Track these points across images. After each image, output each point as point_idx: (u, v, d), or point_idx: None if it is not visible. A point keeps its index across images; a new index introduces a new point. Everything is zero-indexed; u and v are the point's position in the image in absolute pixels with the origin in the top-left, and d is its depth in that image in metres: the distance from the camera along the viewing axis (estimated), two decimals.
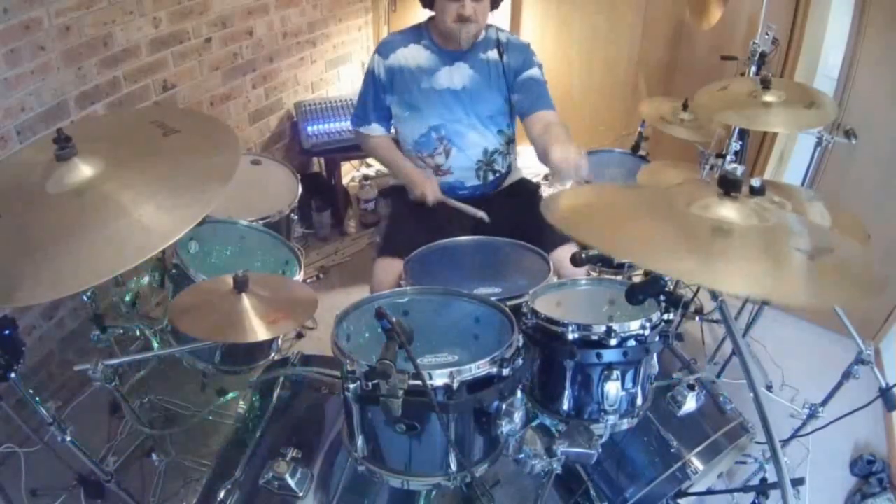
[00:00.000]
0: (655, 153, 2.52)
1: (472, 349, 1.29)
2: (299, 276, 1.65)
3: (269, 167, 2.11)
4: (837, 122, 2.11)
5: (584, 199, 1.27)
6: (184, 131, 1.23)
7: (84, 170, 1.10)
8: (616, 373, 1.19)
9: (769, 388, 2.22)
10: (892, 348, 2.29)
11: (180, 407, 1.82)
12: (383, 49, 1.92)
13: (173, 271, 1.56)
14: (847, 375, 1.62)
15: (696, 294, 2.02)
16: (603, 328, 1.18)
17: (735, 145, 2.02)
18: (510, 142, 2.02)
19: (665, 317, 1.23)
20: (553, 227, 1.05)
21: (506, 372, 1.09)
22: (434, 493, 1.33)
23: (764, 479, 1.62)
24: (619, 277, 2.10)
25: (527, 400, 1.21)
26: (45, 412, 1.25)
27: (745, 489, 1.64)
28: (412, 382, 0.98)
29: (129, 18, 2.13)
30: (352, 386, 1.05)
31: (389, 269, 1.77)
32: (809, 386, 2.14)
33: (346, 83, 3.48)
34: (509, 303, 1.33)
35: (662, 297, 1.19)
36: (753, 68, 2.03)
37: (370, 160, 3.57)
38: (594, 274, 1.96)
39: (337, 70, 3.42)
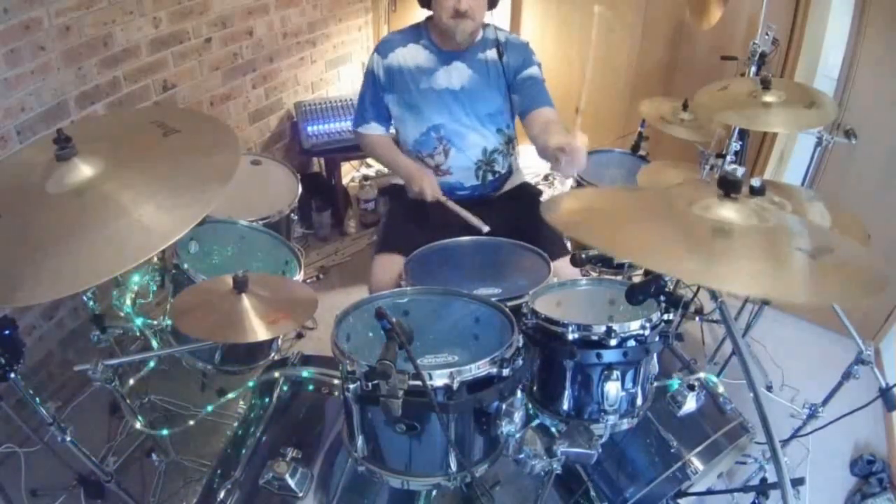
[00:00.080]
0: (655, 153, 2.52)
1: (472, 349, 1.29)
2: (299, 276, 1.65)
3: (269, 167, 2.11)
4: (837, 122, 2.12)
5: (584, 201, 1.27)
6: (184, 131, 1.23)
7: (84, 170, 1.10)
8: (616, 373, 1.19)
9: (769, 388, 2.22)
10: (892, 348, 2.29)
11: (180, 407, 1.82)
12: (382, 48, 1.92)
13: (173, 271, 1.56)
14: (847, 375, 1.62)
15: (696, 294, 2.01)
16: (603, 328, 1.18)
17: (735, 145, 2.02)
18: (510, 141, 2.02)
19: (665, 317, 1.23)
20: (554, 237, 1.04)
21: (506, 372, 1.09)
22: (434, 493, 1.33)
23: (764, 479, 1.63)
24: (619, 277, 2.10)
25: (527, 400, 1.22)
26: (45, 412, 1.25)
27: (745, 489, 1.64)
28: (412, 382, 0.98)
29: (129, 18, 2.13)
30: (352, 386, 1.05)
31: (388, 266, 1.77)
32: (809, 386, 2.14)
33: (346, 83, 3.48)
34: (509, 303, 1.33)
35: (662, 298, 1.19)
36: (753, 68, 2.03)
37: (370, 160, 3.57)
38: (594, 274, 1.96)
39: (337, 70, 3.42)
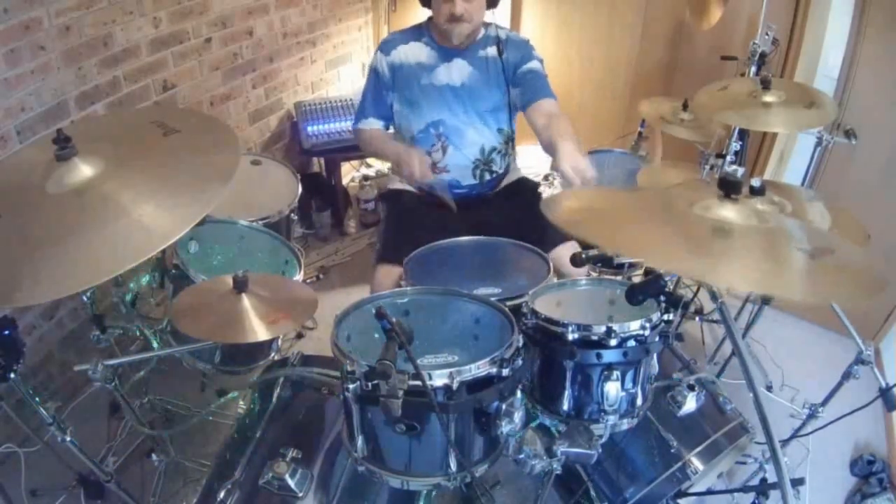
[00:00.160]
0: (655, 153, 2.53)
1: (472, 349, 1.29)
2: (299, 277, 1.65)
3: (269, 167, 2.10)
4: (837, 122, 2.12)
5: (585, 201, 1.27)
6: (184, 131, 1.23)
7: (84, 170, 1.10)
8: (616, 373, 1.19)
9: (769, 388, 2.22)
10: (892, 348, 2.29)
11: (180, 407, 1.82)
12: (385, 46, 1.94)
13: (173, 271, 1.55)
14: (847, 375, 1.61)
15: (696, 294, 2.02)
16: (603, 328, 1.18)
17: (735, 145, 2.02)
18: (509, 141, 2.02)
19: (665, 317, 1.23)
20: (552, 226, 1.05)
21: (506, 372, 1.09)
22: (434, 493, 1.33)
23: (764, 479, 1.62)
24: (619, 277, 2.10)
25: (527, 400, 1.22)
26: (45, 412, 1.25)
27: (745, 489, 1.64)
28: (412, 383, 0.98)
29: (129, 18, 2.13)
30: (352, 386, 1.05)
31: (389, 276, 1.77)
32: (809, 386, 2.14)
33: (346, 83, 3.48)
34: (509, 303, 1.32)
35: (662, 298, 1.19)
36: (753, 68, 2.03)
37: (370, 160, 3.57)
38: (594, 274, 1.96)
39: (337, 70, 3.42)
